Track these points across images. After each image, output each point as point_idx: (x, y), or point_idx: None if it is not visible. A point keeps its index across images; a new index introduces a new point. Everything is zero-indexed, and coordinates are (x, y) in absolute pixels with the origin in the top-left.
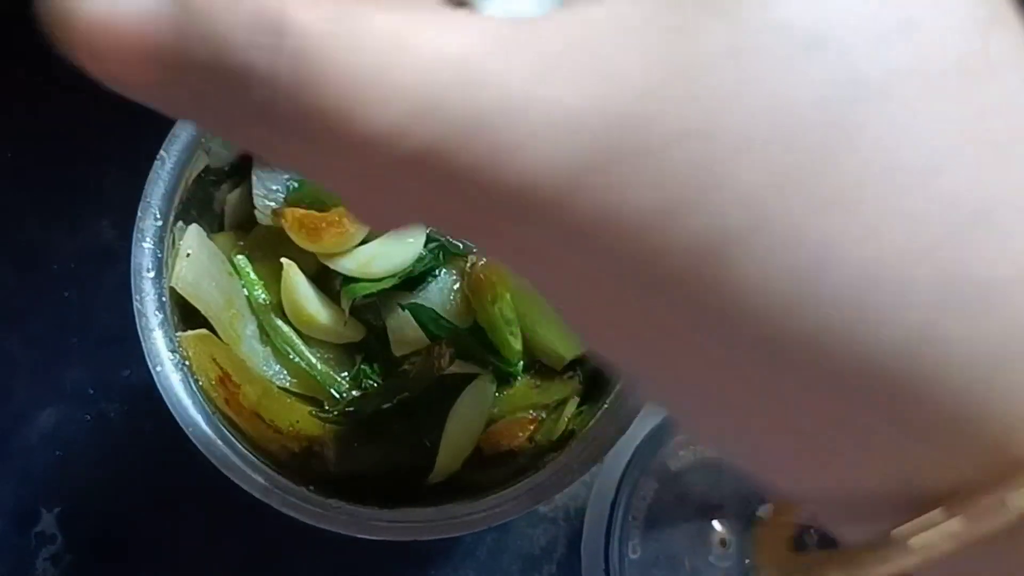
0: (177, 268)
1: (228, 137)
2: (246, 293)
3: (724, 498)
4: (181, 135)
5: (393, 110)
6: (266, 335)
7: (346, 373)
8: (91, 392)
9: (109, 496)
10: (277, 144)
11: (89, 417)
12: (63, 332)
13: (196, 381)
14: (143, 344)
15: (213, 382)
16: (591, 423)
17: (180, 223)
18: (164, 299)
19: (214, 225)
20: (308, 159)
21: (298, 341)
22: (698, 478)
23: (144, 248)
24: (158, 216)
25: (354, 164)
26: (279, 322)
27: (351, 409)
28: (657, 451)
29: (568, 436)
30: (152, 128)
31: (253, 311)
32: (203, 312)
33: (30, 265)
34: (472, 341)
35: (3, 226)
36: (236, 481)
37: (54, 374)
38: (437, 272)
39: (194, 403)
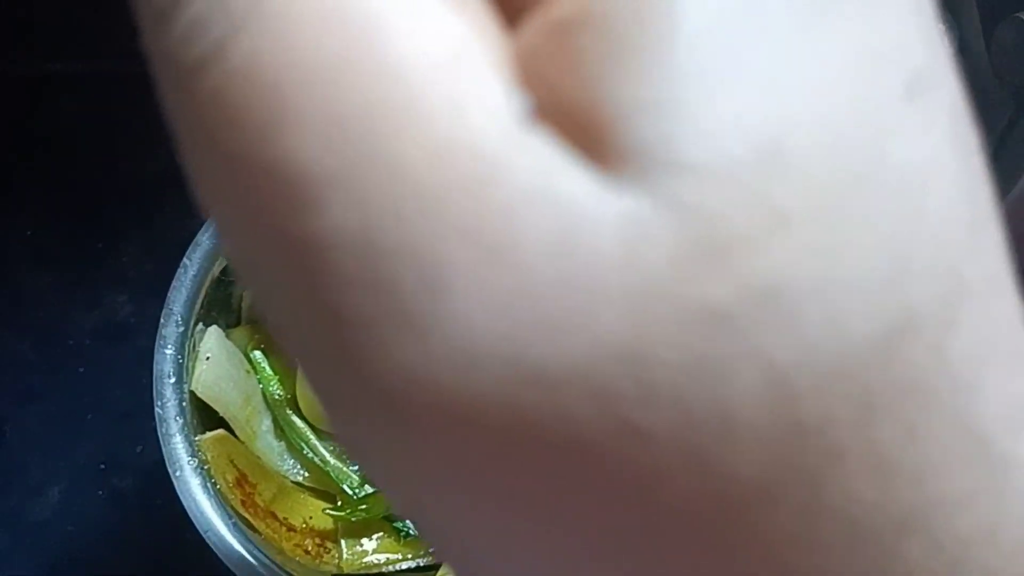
0: (197, 372)
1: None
2: (262, 388)
3: None
4: (203, 242)
5: None
6: (281, 430)
7: (358, 467)
8: (103, 468)
9: (122, 573)
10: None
11: (102, 493)
12: (77, 408)
13: (214, 484)
14: (163, 449)
15: (231, 484)
16: None
17: (200, 325)
18: (184, 404)
19: (231, 320)
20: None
21: (312, 436)
22: None
23: (166, 355)
24: (180, 322)
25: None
26: (294, 417)
27: (363, 508)
28: None
29: None
30: (169, 207)
31: (269, 406)
32: (221, 412)
33: (47, 341)
34: None
35: (22, 303)
36: None
37: (68, 449)
38: None
39: (213, 507)
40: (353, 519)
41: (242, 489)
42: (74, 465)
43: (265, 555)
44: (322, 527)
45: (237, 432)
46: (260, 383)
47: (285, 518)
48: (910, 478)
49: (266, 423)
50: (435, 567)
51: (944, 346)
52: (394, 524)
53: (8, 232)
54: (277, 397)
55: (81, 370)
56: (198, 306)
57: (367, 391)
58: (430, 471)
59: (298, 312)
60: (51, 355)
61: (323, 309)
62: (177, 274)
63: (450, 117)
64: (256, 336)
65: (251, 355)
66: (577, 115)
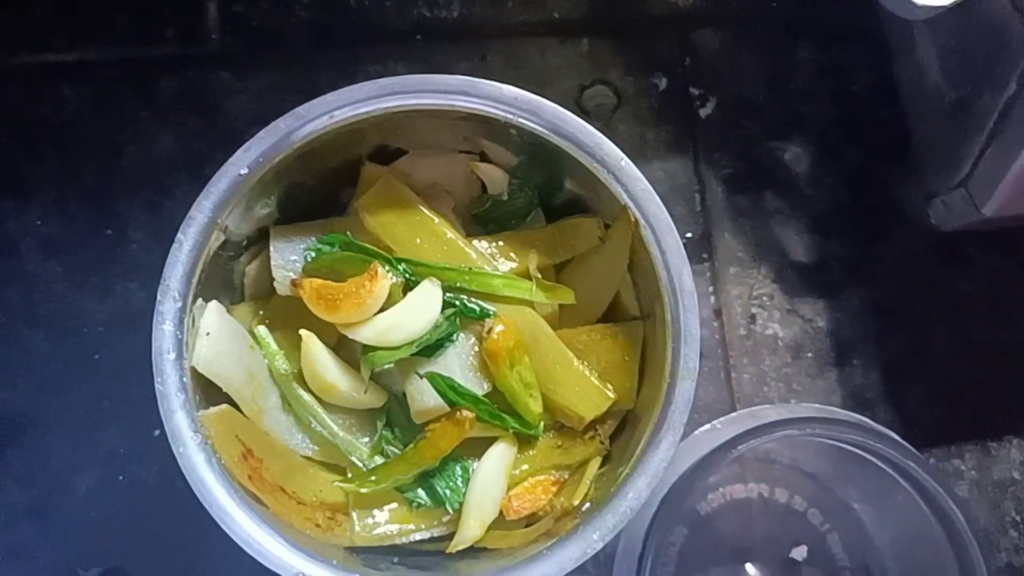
0: (197, 348)
1: None
2: (267, 364)
3: (755, 540)
4: (197, 217)
5: None
6: (288, 404)
7: (367, 439)
8: (123, 453)
9: (146, 556)
10: None
11: (123, 478)
12: (95, 396)
13: (219, 460)
14: (165, 426)
15: (236, 459)
16: (613, 489)
17: (200, 301)
18: (185, 380)
19: (234, 297)
20: None
21: (319, 409)
22: (729, 521)
23: (164, 330)
24: (177, 298)
25: None
26: (300, 391)
27: (373, 479)
28: (686, 497)
29: (589, 500)
30: (177, 192)
31: (275, 381)
32: (224, 389)
33: (62, 331)
34: (492, 405)
35: (34, 294)
36: (260, 560)
37: (88, 438)
38: (454, 337)
39: (218, 482)
40: (364, 491)
41: (248, 463)
42: (95, 453)
43: (274, 529)
44: (333, 500)
45: (243, 408)
46: (265, 358)
47: (294, 492)
48: None
49: (273, 399)
50: (448, 537)
51: None
52: (405, 495)
53: (17, 224)
54: (283, 372)
55: (96, 357)
56: (195, 281)
57: None
58: None
59: None
60: (65, 345)
61: None
62: (172, 249)
63: None
64: (260, 312)
65: (255, 331)
66: None
